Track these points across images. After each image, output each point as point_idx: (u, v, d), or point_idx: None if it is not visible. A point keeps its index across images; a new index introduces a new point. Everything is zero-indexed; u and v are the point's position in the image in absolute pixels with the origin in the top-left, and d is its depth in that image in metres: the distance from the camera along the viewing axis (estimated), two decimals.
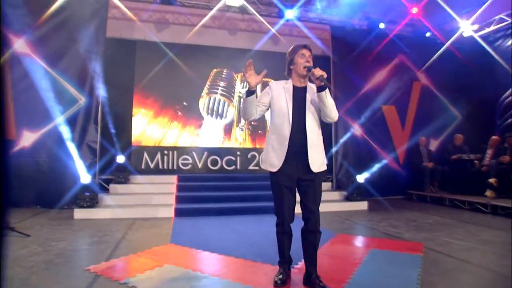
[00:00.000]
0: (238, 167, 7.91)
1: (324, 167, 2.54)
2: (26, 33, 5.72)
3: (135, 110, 7.48)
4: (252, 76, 2.38)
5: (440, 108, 7.76)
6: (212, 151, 7.83)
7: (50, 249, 3.39)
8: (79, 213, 5.04)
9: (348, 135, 7.19)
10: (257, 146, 8.16)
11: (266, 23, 7.24)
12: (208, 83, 8.01)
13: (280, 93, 2.53)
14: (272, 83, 2.61)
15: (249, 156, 8.04)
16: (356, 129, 7.32)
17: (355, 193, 6.22)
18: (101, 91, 6.06)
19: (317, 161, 2.46)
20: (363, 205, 6.12)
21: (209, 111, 7.98)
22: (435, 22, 7.67)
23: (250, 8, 6.71)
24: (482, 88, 7.07)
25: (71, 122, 5.88)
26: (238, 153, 7.99)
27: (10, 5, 5.44)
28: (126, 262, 3.05)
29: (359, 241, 3.89)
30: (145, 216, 5.22)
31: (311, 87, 2.52)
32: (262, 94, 2.61)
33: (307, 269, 2.51)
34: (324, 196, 6.29)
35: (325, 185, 6.90)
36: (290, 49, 2.57)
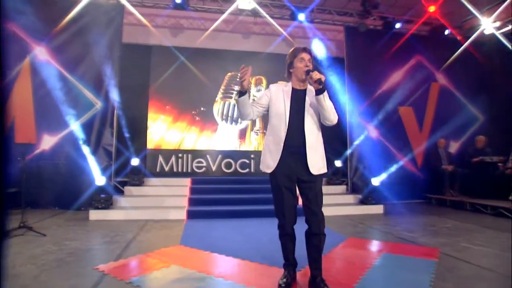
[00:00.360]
0: (252, 170, 7.89)
1: (324, 170, 2.50)
2: (46, 41, 5.96)
3: (150, 114, 7.62)
4: (247, 79, 2.39)
5: (460, 109, 7.50)
6: (226, 154, 7.86)
7: (63, 248, 3.47)
8: (94, 214, 5.16)
9: (363, 137, 7.04)
10: None
11: (278, 26, 7.22)
12: (222, 87, 8.06)
13: (278, 95, 2.53)
14: (272, 85, 2.62)
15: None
16: (372, 131, 7.15)
17: (370, 196, 6.07)
18: (116, 96, 6.20)
19: (317, 163, 2.43)
20: (378, 209, 5.96)
21: (223, 117, 8.00)
22: (454, 20, 7.43)
23: (262, 11, 6.71)
24: (505, 88, 6.77)
25: (88, 126, 6.05)
26: (252, 156, 7.97)
27: (31, 14, 5.69)
28: (134, 262, 3.08)
29: (370, 245, 3.77)
30: (157, 218, 5.28)
31: (311, 90, 2.49)
32: (261, 96, 2.63)
33: (312, 273, 2.45)
34: (338, 199, 6.31)
35: (340, 188, 6.78)
36: (290, 51, 2.57)
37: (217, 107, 7.99)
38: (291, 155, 2.43)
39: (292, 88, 2.55)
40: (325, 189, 6.47)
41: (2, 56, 0.92)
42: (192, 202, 5.87)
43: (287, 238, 2.54)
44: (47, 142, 5.94)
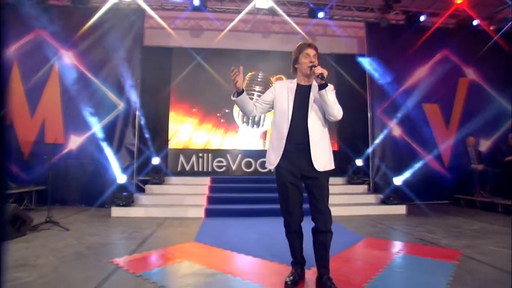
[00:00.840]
0: (273, 169, 7.85)
1: (330, 166, 2.44)
2: (72, 46, 6.26)
3: (171, 114, 7.79)
4: (240, 80, 2.39)
5: (491, 105, 7.07)
6: (246, 153, 7.88)
7: (83, 242, 3.63)
8: (116, 211, 5.34)
9: (385, 135, 6.82)
10: None
11: (294, 25, 7.15)
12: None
13: (282, 92, 2.52)
14: (277, 82, 2.62)
15: None
16: (395, 129, 6.92)
17: (392, 196, 5.87)
18: (138, 97, 6.39)
19: (322, 159, 2.38)
20: (400, 209, 5.74)
21: (244, 119, 8.01)
22: (484, 12, 7.04)
23: (278, 10, 6.68)
24: None
25: (111, 126, 6.28)
26: None
27: (58, 21, 6.00)
28: (147, 257, 3.16)
29: (387, 246, 3.63)
30: (176, 215, 5.38)
31: (316, 86, 2.43)
32: (266, 93, 2.63)
33: (318, 271, 2.40)
34: (359, 199, 6.16)
35: (361, 188, 6.61)
36: (296, 47, 2.54)
37: (238, 109, 8.03)
38: (295, 152, 2.40)
39: (297, 84, 2.53)
40: (346, 188, 6.46)
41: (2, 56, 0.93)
42: (210, 200, 5.94)
43: (293, 235, 2.51)
44: (74, 142, 6.23)
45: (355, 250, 3.39)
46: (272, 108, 2.59)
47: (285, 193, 2.44)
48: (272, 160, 2.45)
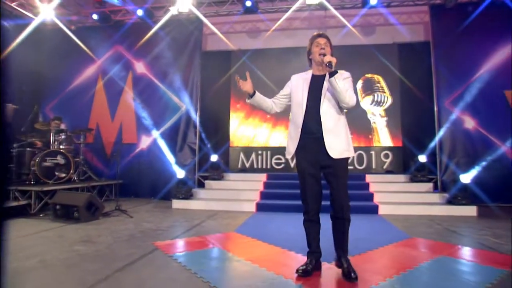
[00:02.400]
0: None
1: (347, 154, 2.44)
2: (143, 57, 7.12)
3: (232, 114, 8.18)
4: (245, 85, 2.55)
5: None
6: None
7: (139, 227, 4.14)
8: (176, 204, 5.90)
9: (455, 128, 6.10)
10: (354, 145, 7.69)
11: (342, 17, 6.87)
12: None
13: (298, 83, 2.59)
14: (293, 76, 2.68)
15: None
16: (467, 121, 6.13)
17: (460, 196, 5.23)
18: (198, 99, 6.93)
19: (337, 146, 2.40)
20: (470, 211, 5.07)
21: None
22: None
23: (327, 4, 6.52)
24: None
25: (175, 127, 6.93)
26: None
27: (131, 36, 6.88)
28: (184, 242, 3.48)
29: (431, 246, 3.29)
30: (229, 209, 5.68)
31: None
32: (284, 87, 2.71)
33: (336, 252, 2.48)
34: (422, 198, 5.63)
35: (425, 186, 6.03)
36: (309, 39, 2.59)
37: None
38: (311, 141, 2.45)
39: (312, 74, 2.59)
40: (407, 186, 5.96)
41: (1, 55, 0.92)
42: (263, 195, 6.12)
43: (309, 224, 2.54)
44: (144, 142, 7.07)
45: (389, 249, 3.18)
46: (290, 101, 2.66)
47: (303, 183, 2.51)
48: (290, 150, 2.54)
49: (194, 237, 3.70)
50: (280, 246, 3.27)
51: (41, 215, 4.85)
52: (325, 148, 2.38)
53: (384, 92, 7.59)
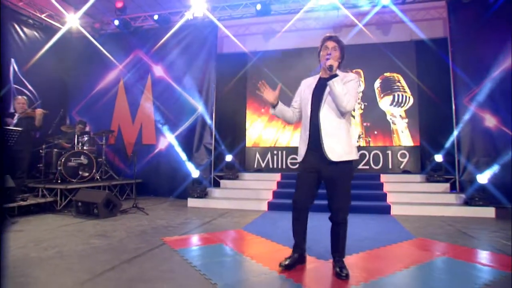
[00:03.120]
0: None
1: (348, 157, 2.42)
2: (161, 61, 7.42)
3: (248, 115, 8.32)
4: (269, 94, 2.59)
5: None
6: None
7: (152, 223, 4.37)
8: (191, 202, 6.12)
9: (475, 127, 5.90)
10: (371, 145, 7.60)
11: (352, 17, 6.81)
12: None
13: (306, 90, 2.63)
14: (303, 80, 2.73)
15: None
16: (488, 119, 5.91)
17: (478, 196, 5.06)
18: (214, 101, 7.12)
19: (336, 149, 2.40)
20: (488, 212, 4.90)
21: None
22: None
23: (340, 5, 6.50)
24: None
25: (192, 128, 7.16)
26: None
27: (150, 40, 7.18)
28: (191, 238, 3.64)
29: (435, 247, 3.25)
30: (241, 207, 5.82)
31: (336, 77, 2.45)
32: (295, 94, 2.75)
33: (332, 254, 2.56)
34: (437, 198, 5.51)
35: (442, 186, 5.87)
36: (321, 40, 2.61)
37: None
38: (315, 143, 2.46)
39: (319, 77, 2.61)
40: (423, 186, 5.84)
41: (1, 55, 1.03)
42: (275, 195, 6.21)
43: (296, 212, 2.58)
44: (163, 142, 7.36)
45: (392, 249, 3.17)
46: None
47: (300, 178, 2.55)
48: (301, 153, 2.55)
49: (201, 233, 3.86)
50: (282, 243, 3.35)
51: (65, 211, 5.20)
52: (325, 151, 2.39)
53: (405, 92, 7.45)
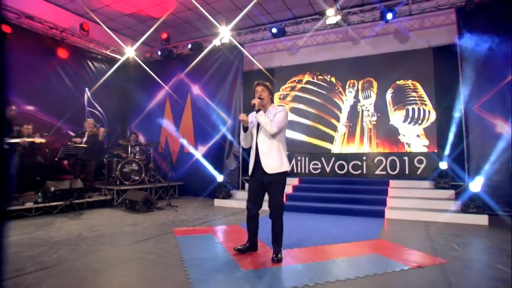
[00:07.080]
0: (364, 171, 8.04)
1: (280, 169, 3.27)
2: (198, 81, 8.76)
3: None
4: (245, 118, 3.38)
5: None
6: (339, 156, 8.36)
7: (174, 218, 5.58)
8: (217, 202, 7.27)
9: (486, 134, 5.95)
10: (386, 150, 7.91)
11: (352, 32, 7.18)
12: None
13: (253, 118, 3.43)
14: (249, 115, 3.51)
15: (375, 161, 7.99)
16: (500, 126, 5.90)
17: (473, 204, 5.23)
18: (240, 113, 8.19)
19: (270, 164, 3.27)
20: (481, 220, 5.05)
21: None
22: None
23: (344, 23, 7.02)
24: None
25: (222, 138, 8.35)
26: (364, 158, 8.11)
27: (188, 65, 8.56)
28: (194, 230, 4.72)
29: (380, 246, 3.80)
30: None
31: (269, 111, 3.34)
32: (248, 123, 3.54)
33: (272, 242, 3.38)
34: (436, 205, 5.75)
35: (447, 193, 6.05)
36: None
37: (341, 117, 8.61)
38: (257, 162, 3.35)
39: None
40: (427, 193, 6.11)
41: (2, 56, 0.95)
42: (287, 197, 7.00)
43: (249, 217, 3.48)
44: (200, 150, 8.68)
45: (341, 245, 3.84)
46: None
47: (250, 186, 3.46)
48: (250, 167, 3.42)
49: (205, 227, 4.93)
50: (265, 241, 4.14)
51: (119, 207, 6.77)
52: (263, 166, 3.27)
53: (424, 104, 7.53)
